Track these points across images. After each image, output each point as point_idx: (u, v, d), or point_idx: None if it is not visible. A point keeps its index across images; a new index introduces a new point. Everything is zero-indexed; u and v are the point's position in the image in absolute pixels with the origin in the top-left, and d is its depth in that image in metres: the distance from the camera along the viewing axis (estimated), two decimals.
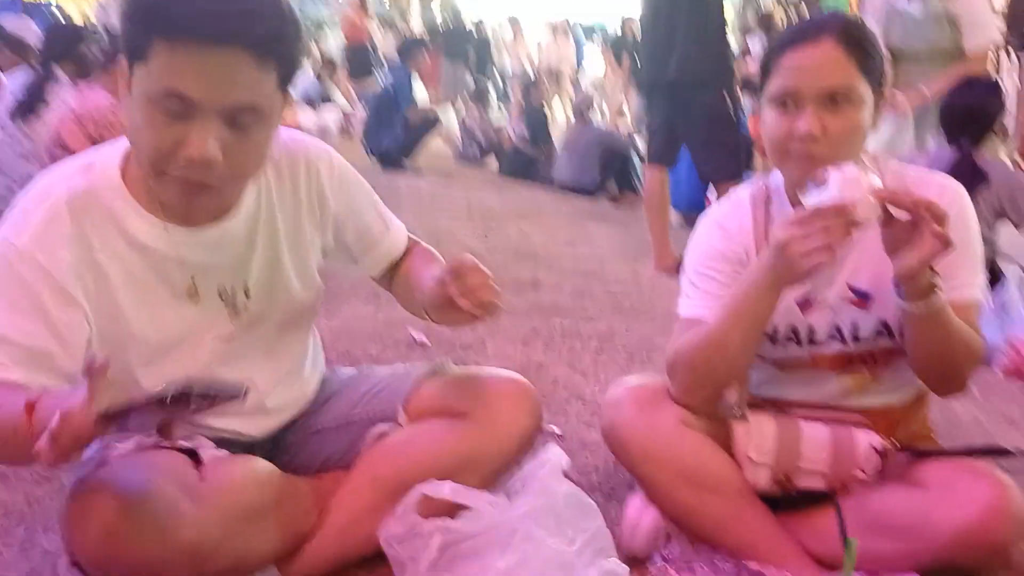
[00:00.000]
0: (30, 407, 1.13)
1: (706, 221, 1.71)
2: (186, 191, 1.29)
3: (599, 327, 3.14)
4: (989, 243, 3.34)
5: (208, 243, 1.42)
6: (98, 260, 1.35)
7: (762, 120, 1.58)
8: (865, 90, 1.51)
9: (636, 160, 6.85)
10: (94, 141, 3.24)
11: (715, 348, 1.54)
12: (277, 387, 1.58)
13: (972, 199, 3.29)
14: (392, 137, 7.35)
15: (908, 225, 1.39)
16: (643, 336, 3.08)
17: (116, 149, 1.41)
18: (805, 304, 1.62)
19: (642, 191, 4.70)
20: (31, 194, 1.36)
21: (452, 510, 1.46)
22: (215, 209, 1.41)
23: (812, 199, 1.39)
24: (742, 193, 1.72)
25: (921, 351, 1.53)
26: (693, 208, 6.25)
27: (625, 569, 1.37)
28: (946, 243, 1.36)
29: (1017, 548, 1.46)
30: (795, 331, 1.63)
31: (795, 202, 1.60)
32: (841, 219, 1.36)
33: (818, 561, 1.55)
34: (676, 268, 4.13)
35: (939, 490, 1.45)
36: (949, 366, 1.53)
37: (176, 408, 1.07)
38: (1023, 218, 3.24)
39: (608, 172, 6.97)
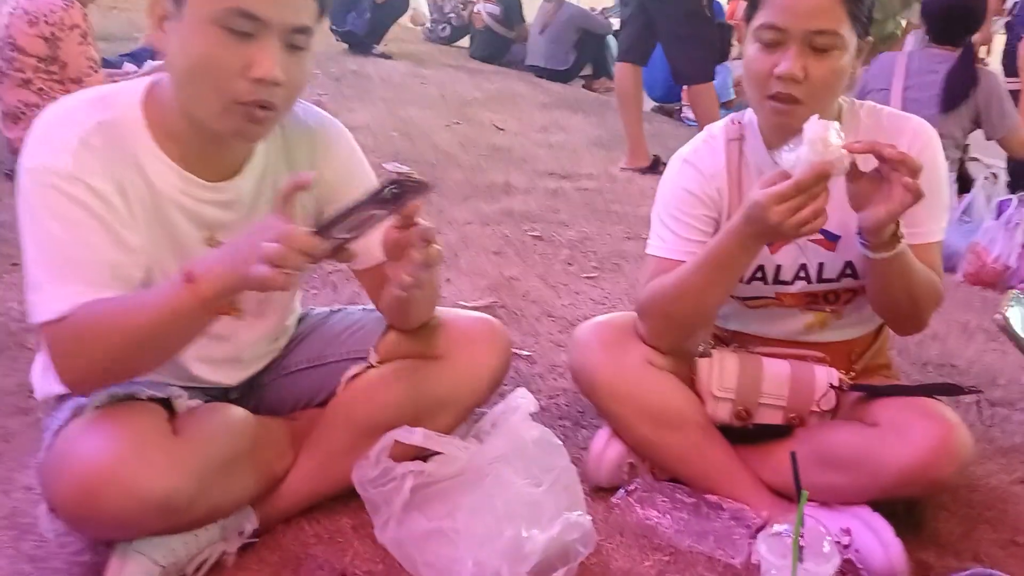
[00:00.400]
0: (190, 276, 1.22)
1: (678, 160, 1.70)
2: (250, 118, 1.29)
3: (570, 234, 3.16)
4: (962, 148, 3.36)
5: (220, 200, 1.42)
6: (127, 192, 1.34)
7: (744, 53, 1.56)
8: (850, 36, 1.49)
9: (613, 42, 6.70)
10: (47, 41, 3.13)
11: (687, 298, 1.57)
12: (259, 342, 1.60)
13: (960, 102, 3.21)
14: (359, 18, 7.09)
15: (874, 178, 1.40)
16: (614, 242, 3.10)
17: (136, 86, 1.38)
18: (773, 244, 1.64)
19: (615, 88, 4.62)
20: (52, 120, 1.33)
21: (424, 453, 1.51)
22: (230, 165, 1.41)
23: (786, 159, 1.39)
24: (715, 129, 1.71)
25: (883, 296, 1.56)
26: (668, 97, 6.19)
27: (588, 519, 1.43)
28: (917, 195, 1.37)
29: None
30: (762, 270, 1.65)
31: (769, 142, 1.60)
32: (823, 182, 1.37)
33: (774, 491, 1.62)
34: (649, 167, 4.14)
35: (889, 429, 1.51)
36: (910, 309, 1.58)
37: (394, 201, 1.19)
38: (994, 129, 3.25)
39: (584, 56, 6.83)
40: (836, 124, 1.39)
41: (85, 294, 1.29)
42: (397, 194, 1.19)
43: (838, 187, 1.50)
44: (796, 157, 1.38)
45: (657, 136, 4.85)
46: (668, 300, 1.59)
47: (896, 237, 1.45)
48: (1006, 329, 0.99)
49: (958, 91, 3.19)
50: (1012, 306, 1.05)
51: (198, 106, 1.31)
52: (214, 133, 1.34)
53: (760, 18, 1.51)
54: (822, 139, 1.36)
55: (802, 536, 1.24)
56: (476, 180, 3.80)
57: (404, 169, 1.22)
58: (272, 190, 1.46)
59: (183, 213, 1.40)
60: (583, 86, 6.81)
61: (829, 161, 1.36)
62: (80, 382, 1.32)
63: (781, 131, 1.55)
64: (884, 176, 1.40)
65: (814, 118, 1.40)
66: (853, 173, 1.39)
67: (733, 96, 5.74)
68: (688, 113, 5.71)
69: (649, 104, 5.70)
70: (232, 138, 1.36)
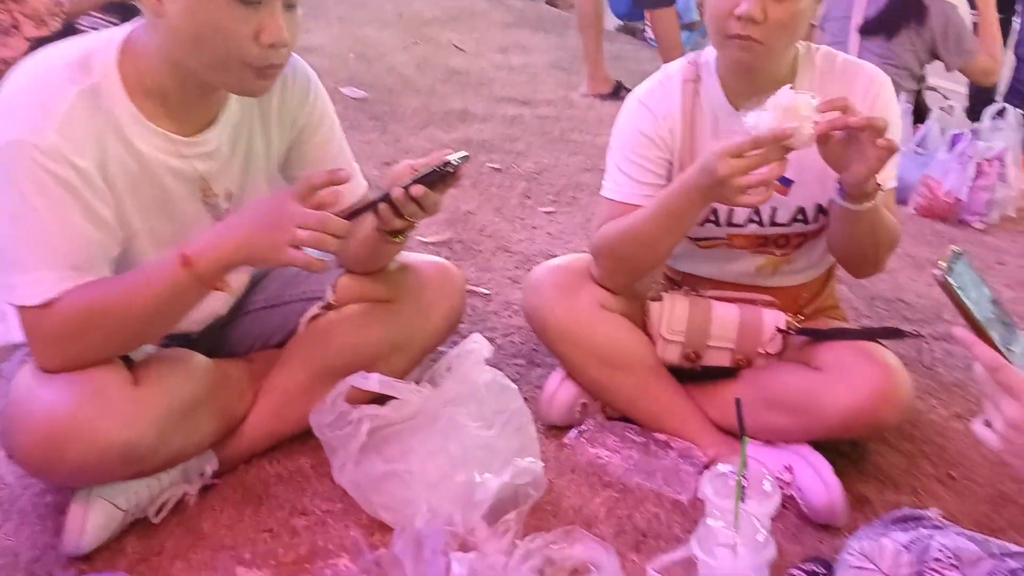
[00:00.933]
0: (185, 258, 1.27)
1: (634, 100, 1.70)
2: (260, 76, 1.31)
3: (528, 165, 3.14)
4: (918, 79, 3.37)
5: (202, 153, 1.41)
6: (108, 164, 1.32)
7: None
8: None
9: None
10: None
11: (639, 243, 1.60)
12: (228, 299, 1.61)
13: (908, 33, 3.23)
14: None
15: (846, 139, 1.42)
16: (572, 173, 3.10)
17: (109, 43, 1.34)
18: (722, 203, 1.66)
19: (575, 10, 4.53)
20: (30, 88, 1.29)
21: (380, 396, 1.54)
22: (205, 115, 1.41)
23: (750, 121, 1.41)
24: (671, 69, 1.70)
25: (850, 243, 1.61)
26: (632, 15, 6.07)
27: (539, 465, 1.48)
28: (892, 150, 1.40)
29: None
30: (715, 212, 1.67)
31: (726, 84, 1.60)
32: (778, 147, 1.39)
33: (721, 429, 1.68)
34: (611, 93, 4.11)
35: (832, 372, 1.56)
36: (873, 255, 1.63)
37: (436, 180, 1.36)
38: (952, 58, 3.26)
39: None
40: (807, 96, 1.41)
41: (71, 279, 1.29)
42: (449, 172, 1.36)
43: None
44: (758, 119, 1.40)
45: (619, 59, 4.79)
46: (620, 243, 1.62)
47: (875, 188, 1.48)
48: (944, 285, 1.02)
49: (898, 16, 3.19)
50: (950, 262, 1.08)
51: (205, 68, 1.31)
52: (208, 87, 1.35)
53: None
54: (785, 107, 1.38)
55: (744, 477, 1.29)
56: (433, 107, 3.75)
57: (453, 157, 1.37)
58: (248, 134, 1.47)
59: (173, 174, 1.39)
60: (547, 2, 6.67)
61: (791, 126, 1.37)
62: (66, 366, 1.31)
63: (739, 70, 1.56)
64: (855, 137, 1.41)
65: (786, 87, 1.42)
66: (823, 138, 1.41)
67: (696, 18, 5.67)
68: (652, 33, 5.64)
69: (613, 22, 5.61)
70: (238, 93, 1.38)
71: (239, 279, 1.60)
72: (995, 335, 0.99)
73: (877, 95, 1.59)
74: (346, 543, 1.41)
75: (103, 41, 1.35)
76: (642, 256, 1.63)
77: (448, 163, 1.36)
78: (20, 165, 1.25)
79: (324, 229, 1.26)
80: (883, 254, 1.63)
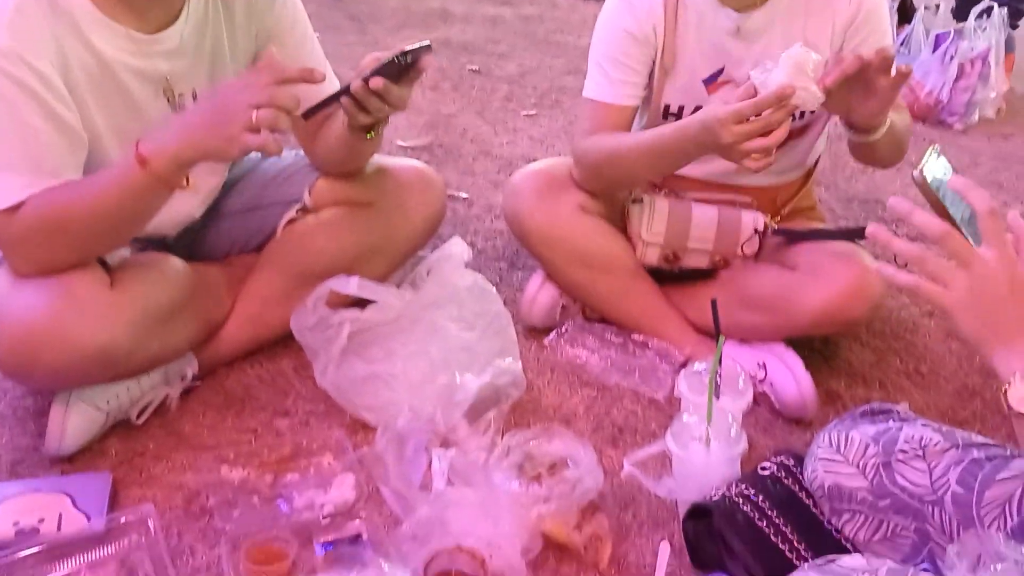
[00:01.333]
0: (142, 158, 1.23)
1: None
2: None
3: (510, 68, 3.09)
4: None
5: (165, 51, 1.38)
6: (68, 65, 1.29)
7: None
8: None
9: None
10: None
11: (622, 170, 1.61)
12: (203, 203, 1.59)
13: None
14: None
15: (848, 84, 1.40)
16: (554, 76, 3.05)
17: None
18: (712, 84, 1.64)
19: None
20: None
21: (360, 300, 1.54)
22: (169, 9, 1.36)
23: (758, 78, 1.39)
24: None
25: (870, 158, 1.63)
26: None
27: (518, 365, 1.50)
28: (905, 75, 1.39)
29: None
30: (699, 110, 1.65)
31: None
32: (784, 110, 1.37)
33: (697, 329, 1.70)
34: None
35: (807, 271, 1.58)
36: (897, 154, 1.64)
37: (407, 70, 1.32)
38: None
39: None
40: (814, 56, 1.38)
41: (36, 183, 1.27)
42: (409, 63, 1.31)
43: (780, 27, 1.53)
44: (766, 78, 1.38)
45: None
46: (605, 164, 1.62)
47: (886, 117, 1.48)
48: (923, 186, 1.03)
49: None
50: (930, 161, 1.08)
51: None
52: None
53: None
54: (796, 65, 1.36)
55: (719, 375, 1.32)
56: (412, 6, 3.66)
57: (411, 47, 1.33)
58: (215, 32, 1.44)
59: (134, 74, 1.36)
60: None
61: (797, 83, 1.35)
62: (38, 271, 1.30)
63: None
64: (859, 78, 1.39)
65: (797, 44, 1.39)
66: (828, 92, 1.39)
67: None
68: None
69: None
70: None
71: (210, 182, 1.59)
72: (969, 236, 0.99)
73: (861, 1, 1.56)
74: (329, 443, 1.43)
75: None
76: (622, 180, 1.66)
77: (405, 52, 1.31)
78: None
79: (274, 103, 1.21)
80: (905, 147, 1.65)
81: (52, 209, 1.27)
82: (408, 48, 1.32)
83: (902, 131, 1.58)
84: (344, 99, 1.36)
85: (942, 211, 0.99)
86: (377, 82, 1.31)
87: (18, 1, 1.23)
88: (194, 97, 1.45)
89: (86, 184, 1.31)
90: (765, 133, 1.38)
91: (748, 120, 1.38)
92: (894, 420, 1.23)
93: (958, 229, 0.99)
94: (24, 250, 1.30)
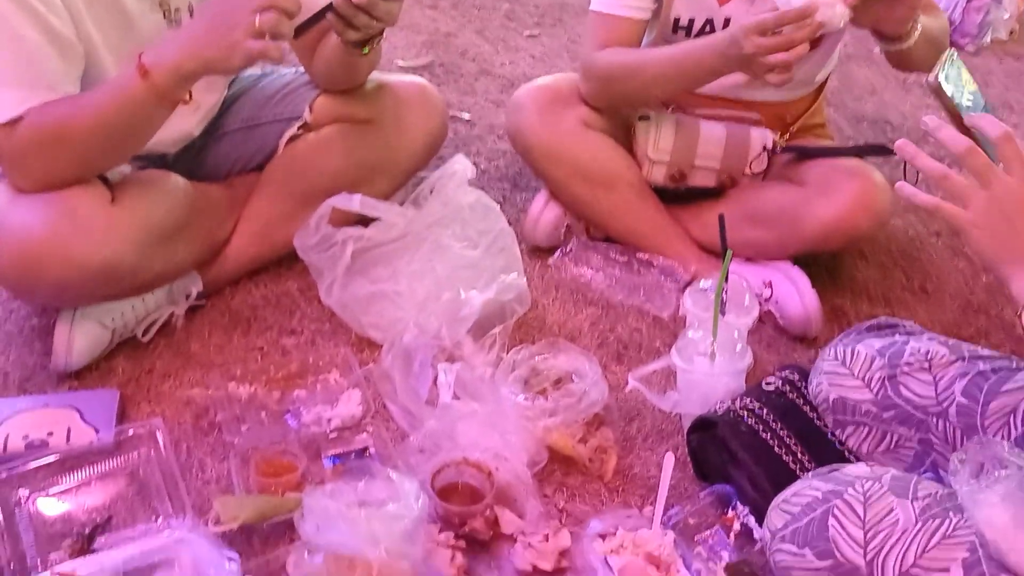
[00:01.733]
0: (143, 70, 1.22)
1: None
2: None
3: None
4: None
5: None
6: None
7: None
8: None
9: None
10: None
11: (640, 83, 1.58)
12: (203, 120, 1.57)
13: None
14: None
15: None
16: None
17: None
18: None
19: None
20: None
21: (364, 218, 1.53)
22: None
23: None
24: None
25: (908, 64, 1.58)
26: None
27: (523, 280, 1.49)
28: None
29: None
30: (711, 23, 1.61)
31: None
32: (808, 28, 1.35)
33: (703, 248, 1.69)
34: None
35: (815, 187, 1.57)
36: (935, 56, 1.59)
37: None
38: None
39: None
40: None
41: (35, 97, 1.25)
42: None
43: None
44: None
45: None
46: (618, 77, 1.59)
47: (914, 25, 1.46)
48: (938, 92, 1.01)
49: None
50: (945, 67, 1.06)
51: None
52: None
53: None
54: None
55: (725, 291, 1.31)
56: None
57: None
58: None
59: None
60: None
61: (817, 4, 1.34)
62: (38, 187, 1.29)
63: None
64: None
65: None
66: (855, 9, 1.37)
67: None
68: None
69: None
70: None
71: (210, 99, 1.56)
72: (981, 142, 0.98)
73: None
74: (336, 360, 1.44)
75: None
76: (635, 96, 1.63)
77: None
78: None
79: (276, 3, 1.19)
80: (943, 48, 1.60)
81: (51, 123, 1.25)
82: None
83: (938, 33, 1.54)
84: (330, 15, 1.33)
85: (956, 115, 0.98)
86: None
87: None
88: (190, 12, 1.41)
89: (85, 98, 1.29)
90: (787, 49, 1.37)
91: (771, 34, 1.36)
92: (900, 334, 1.23)
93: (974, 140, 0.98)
94: (24, 165, 1.28)
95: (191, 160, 1.61)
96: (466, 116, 2.19)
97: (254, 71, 1.72)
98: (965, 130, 0.98)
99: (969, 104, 1.00)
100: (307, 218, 1.52)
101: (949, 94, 1.00)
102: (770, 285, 1.58)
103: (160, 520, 1.16)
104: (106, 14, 1.33)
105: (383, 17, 1.33)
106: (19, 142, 1.26)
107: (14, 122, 1.25)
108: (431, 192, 1.56)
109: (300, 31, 1.31)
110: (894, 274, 1.78)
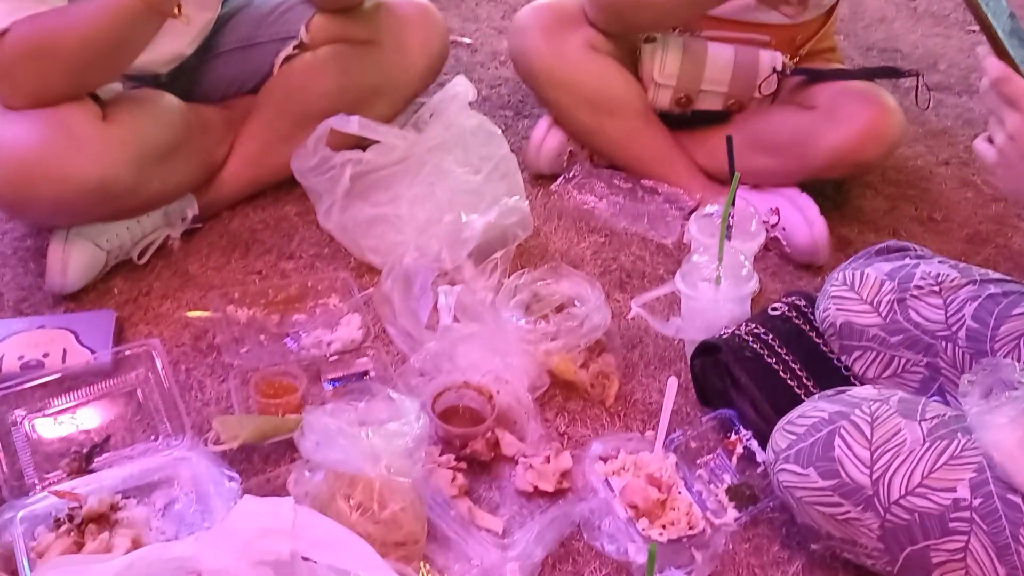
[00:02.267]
0: None
1: None
2: None
3: None
4: None
5: None
6: None
7: None
8: None
9: None
10: None
11: (649, 12, 1.54)
12: (196, 38, 1.53)
13: None
14: None
15: None
16: None
17: None
18: None
19: None
20: None
21: (363, 143, 1.50)
22: None
23: None
24: None
25: None
26: None
27: (525, 204, 1.46)
28: None
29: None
30: None
31: None
32: None
33: (709, 175, 1.66)
34: None
35: (824, 112, 1.53)
36: None
37: None
38: None
39: None
40: None
41: (19, 9, 1.21)
42: None
43: None
44: None
45: None
46: (628, 6, 1.55)
47: None
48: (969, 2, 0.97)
49: None
50: None
51: None
52: None
53: None
54: None
55: (731, 215, 1.28)
56: None
57: None
58: None
59: None
60: None
61: None
62: (28, 102, 1.26)
63: None
64: None
65: None
66: None
67: None
68: None
69: None
70: None
71: (203, 16, 1.52)
72: (1012, 51, 0.95)
73: None
74: (335, 284, 1.42)
75: None
76: (647, 22, 1.59)
77: None
78: None
79: None
80: None
81: (39, 36, 1.22)
82: None
83: None
84: None
85: (984, 22, 0.94)
86: None
87: None
88: None
89: (73, 9, 1.25)
90: None
91: None
92: (911, 257, 1.21)
93: (999, 43, 0.95)
94: (12, 79, 1.25)
95: (186, 81, 1.57)
96: (467, 40, 2.14)
97: None
98: (995, 39, 0.95)
99: (997, 15, 0.96)
100: (304, 139, 1.48)
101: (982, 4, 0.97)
102: (777, 212, 1.56)
103: (159, 440, 1.15)
104: None
105: None
106: (6, 55, 1.22)
107: (1, 35, 1.21)
108: (431, 116, 1.53)
109: None
110: (902, 204, 1.75)
